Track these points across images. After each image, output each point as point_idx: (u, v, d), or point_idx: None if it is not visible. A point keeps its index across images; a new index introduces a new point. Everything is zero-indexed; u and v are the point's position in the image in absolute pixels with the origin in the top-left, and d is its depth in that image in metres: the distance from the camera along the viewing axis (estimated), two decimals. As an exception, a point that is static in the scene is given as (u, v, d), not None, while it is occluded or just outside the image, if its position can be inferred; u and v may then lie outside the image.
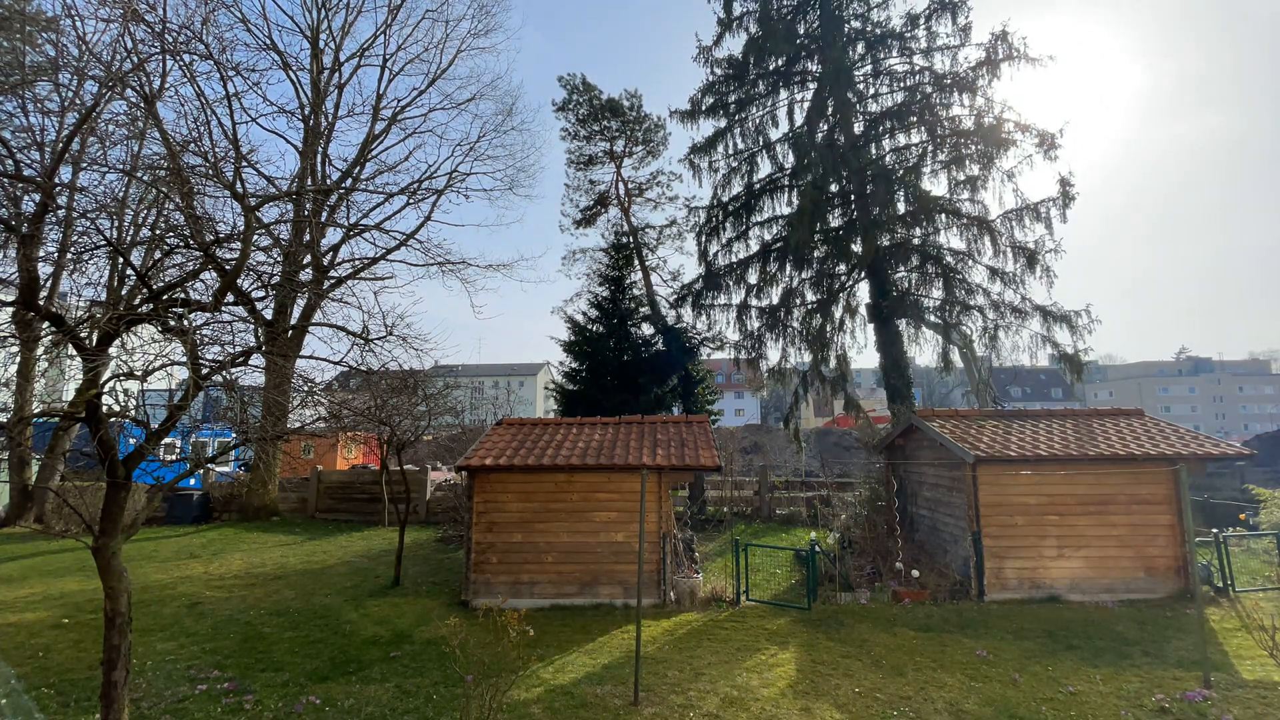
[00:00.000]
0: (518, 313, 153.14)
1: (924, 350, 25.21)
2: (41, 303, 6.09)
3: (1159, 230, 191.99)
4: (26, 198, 7.00)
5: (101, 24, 6.44)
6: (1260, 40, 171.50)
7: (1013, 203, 18.28)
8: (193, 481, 20.68)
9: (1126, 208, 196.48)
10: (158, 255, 6.48)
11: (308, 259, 13.49)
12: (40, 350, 7.23)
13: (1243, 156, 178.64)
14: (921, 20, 19.50)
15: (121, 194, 6.68)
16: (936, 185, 19.45)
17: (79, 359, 5.81)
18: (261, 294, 7.76)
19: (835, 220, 20.59)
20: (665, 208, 30.48)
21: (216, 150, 5.90)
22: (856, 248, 19.45)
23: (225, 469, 24.00)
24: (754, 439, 32.74)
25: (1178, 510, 10.33)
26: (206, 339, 6.30)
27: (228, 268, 5.80)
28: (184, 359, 5.57)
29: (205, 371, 5.84)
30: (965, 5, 19.11)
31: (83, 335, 5.88)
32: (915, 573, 10.71)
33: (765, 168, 21.80)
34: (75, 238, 6.94)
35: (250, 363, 6.60)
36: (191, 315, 5.96)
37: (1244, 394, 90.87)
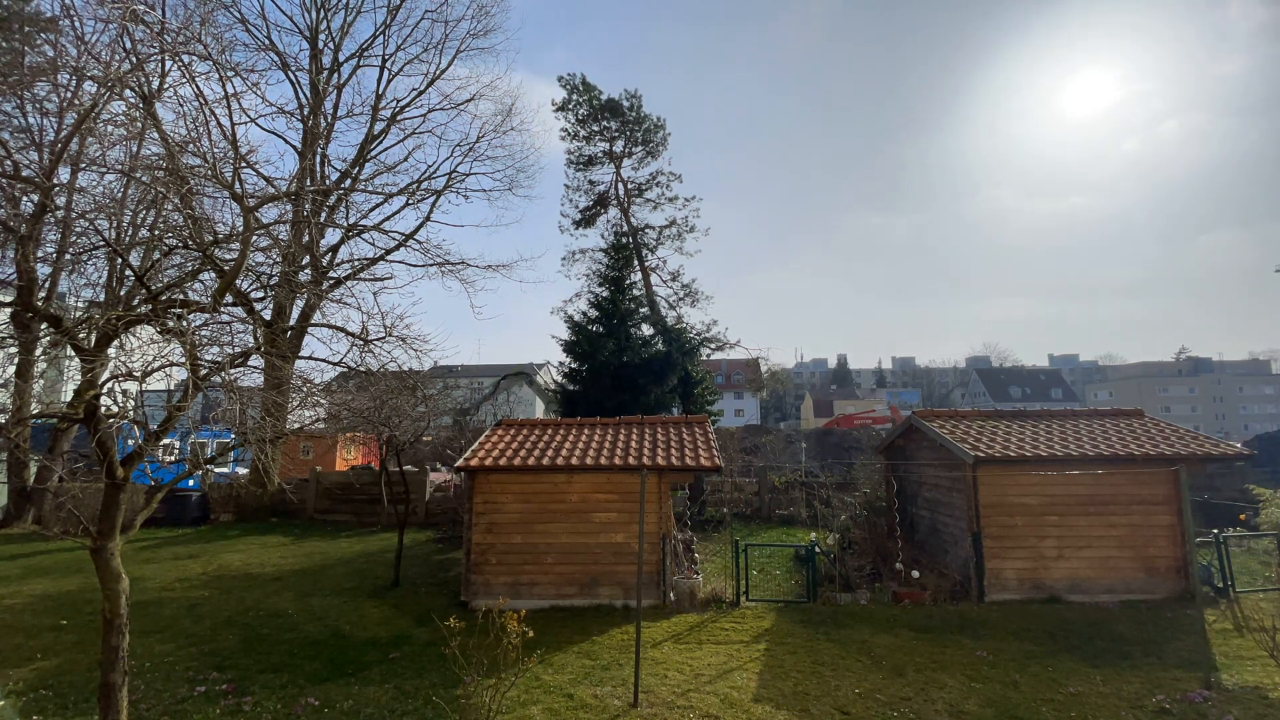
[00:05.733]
0: (517, 313, 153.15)
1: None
2: (40, 303, 6.08)
3: (1160, 229, 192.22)
4: (25, 198, 7.00)
5: (100, 24, 6.43)
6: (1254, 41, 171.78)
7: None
8: (191, 483, 20.64)
9: (1128, 206, 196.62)
10: (156, 256, 6.46)
11: (306, 260, 13.44)
12: (39, 351, 7.21)
13: (1244, 155, 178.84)
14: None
15: (120, 194, 6.65)
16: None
17: (77, 360, 5.80)
18: (260, 295, 7.75)
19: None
20: (665, 208, 30.49)
21: (215, 151, 5.88)
22: None
23: (224, 470, 23.98)
24: (754, 439, 32.70)
25: (1178, 510, 10.32)
26: (205, 340, 6.29)
27: (226, 268, 5.79)
28: (183, 360, 5.55)
29: (204, 372, 5.83)
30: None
31: (81, 336, 5.87)
32: (915, 573, 10.69)
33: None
34: (74, 238, 6.93)
35: (249, 363, 6.59)
36: (190, 316, 5.95)
37: (1244, 394, 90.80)
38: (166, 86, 6.38)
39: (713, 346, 27.64)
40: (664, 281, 29.29)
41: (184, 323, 5.74)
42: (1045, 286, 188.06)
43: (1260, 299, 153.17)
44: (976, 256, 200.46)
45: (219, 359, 6.19)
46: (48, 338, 7.25)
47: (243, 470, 23.69)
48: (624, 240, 26.28)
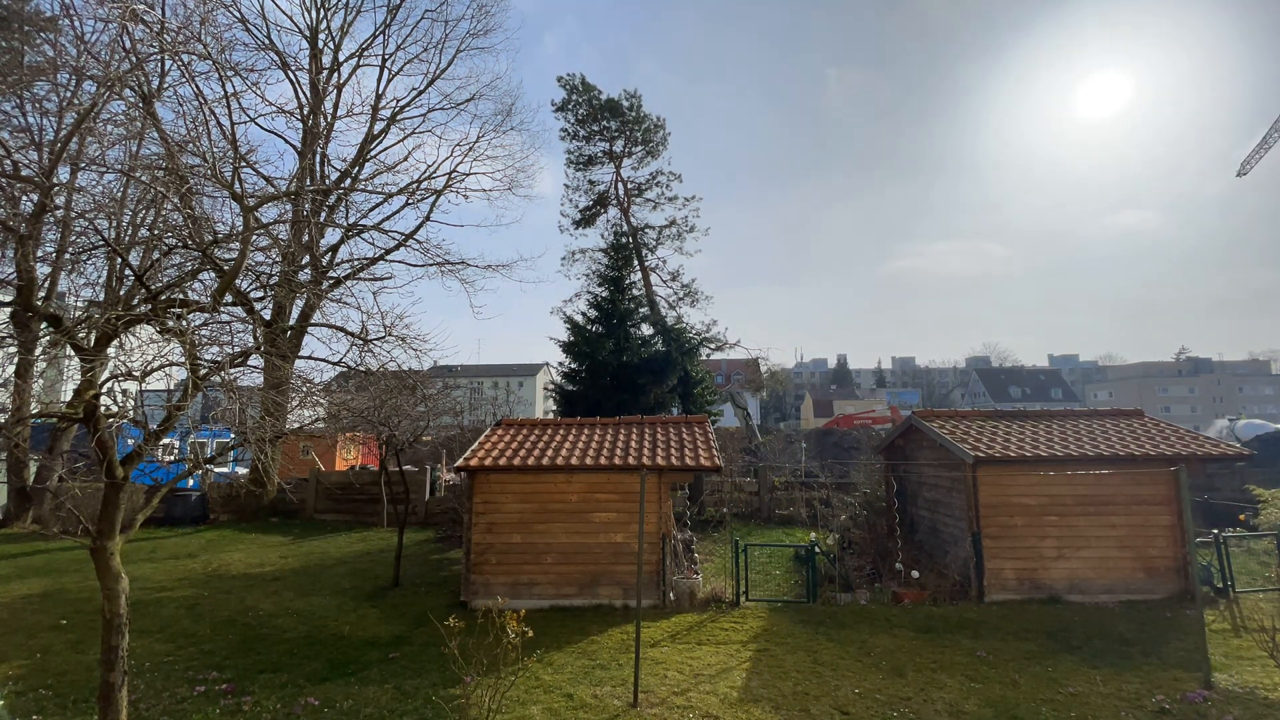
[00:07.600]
0: (517, 313, 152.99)
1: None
2: (39, 303, 6.08)
3: (1161, 229, 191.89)
4: (25, 198, 6.99)
5: (100, 24, 6.43)
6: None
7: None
8: (191, 482, 20.63)
9: (1129, 206, 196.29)
10: (156, 256, 6.45)
11: (306, 259, 13.45)
12: (38, 351, 7.21)
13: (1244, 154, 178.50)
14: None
15: (119, 194, 6.65)
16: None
17: (77, 359, 5.80)
18: (260, 294, 7.76)
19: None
20: (665, 208, 30.49)
21: (215, 150, 5.88)
22: None
23: (223, 470, 23.97)
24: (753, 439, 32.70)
25: (1178, 511, 10.32)
26: (205, 339, 6.29)
27: (226, 268, 5.79)
28: (182, 359, 5.55)
29: (203, 372, 5.83)
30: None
31: (81, 336, 5.87)
32: (915, 573, 10.69)
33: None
34: (73, 238, 6.92)
35: (249, 363, 6.59)
36: (190, 316, 5.95)
37: (1244, 394, 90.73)
38: (166, 86, 6.39)
39: (712, 346, 27.65)
40: (664, 281, 29.31)
41: (184, 322, 5.74)
42: (1048, 295, 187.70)
43: (1261, 301, 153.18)
44: (978, 258, 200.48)
45: (219, 359, 6.20)
46: (47, 337, 7.25)
47: (242, 470, 23.67)
48: (624, 240, 26.26)
